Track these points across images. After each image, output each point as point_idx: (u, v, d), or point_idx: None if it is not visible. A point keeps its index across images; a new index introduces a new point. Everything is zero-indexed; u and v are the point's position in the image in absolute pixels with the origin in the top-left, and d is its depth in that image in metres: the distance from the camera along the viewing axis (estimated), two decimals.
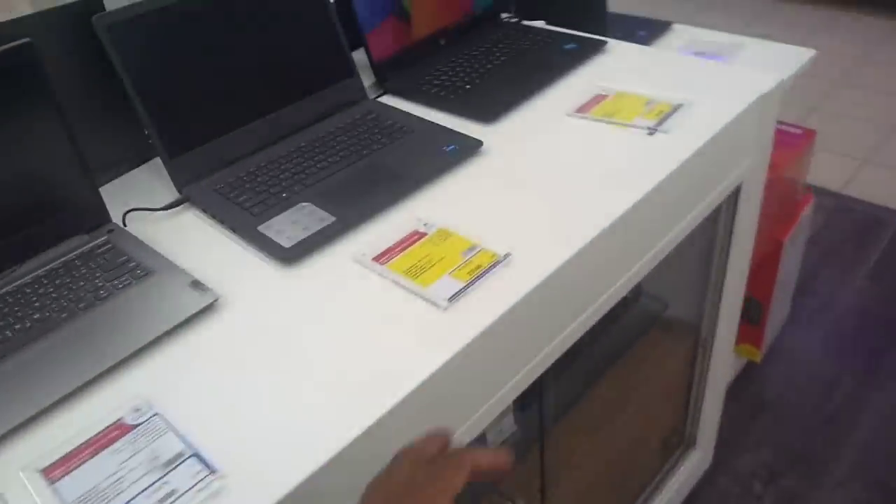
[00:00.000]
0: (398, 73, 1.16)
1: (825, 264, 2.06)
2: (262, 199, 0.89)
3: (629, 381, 1.33)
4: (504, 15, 1.34)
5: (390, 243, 0.82)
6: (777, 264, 1.55)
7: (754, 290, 1.59)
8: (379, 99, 1.12)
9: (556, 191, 0.88)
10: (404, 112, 1.06)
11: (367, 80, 1.12)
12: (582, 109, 1.03)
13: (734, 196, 1.13)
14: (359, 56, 1.11)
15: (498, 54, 1.19)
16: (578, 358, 1.03)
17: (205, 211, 0.90)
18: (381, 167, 0.94)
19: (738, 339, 1.59)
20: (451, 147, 0.96)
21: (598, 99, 1.05)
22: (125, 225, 0.89)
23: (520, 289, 0.74)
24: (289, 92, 1.02)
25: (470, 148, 0.96)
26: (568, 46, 1.20)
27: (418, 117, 1.04)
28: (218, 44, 0.95)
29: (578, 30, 1.25)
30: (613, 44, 1.21)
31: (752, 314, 1.64)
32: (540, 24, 1.32)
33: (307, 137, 1.01)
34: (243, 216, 0.87)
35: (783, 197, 1.48)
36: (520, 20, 1.33)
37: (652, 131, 0.96)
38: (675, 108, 1.00)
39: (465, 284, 0.75)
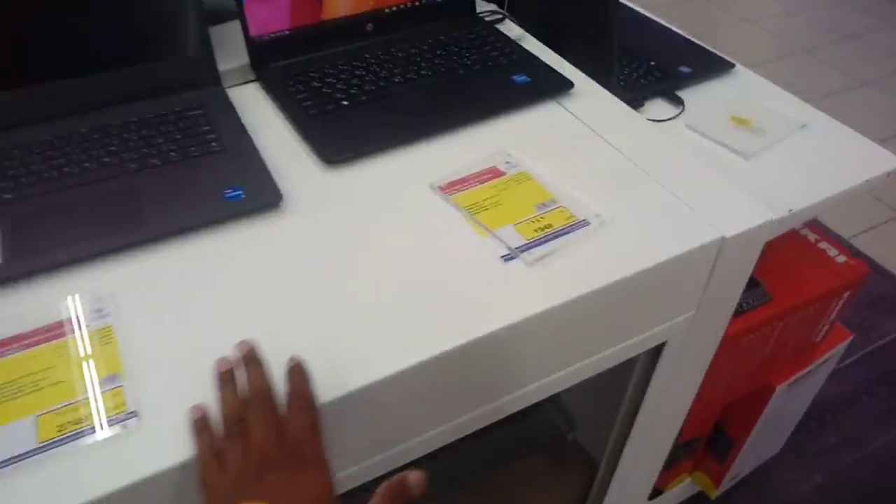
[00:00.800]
0: (283, 59, 0.89)
1: (856, 401, 1.62)
2: None
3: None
4: (488, 9, 1.02)
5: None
6: (761, 410, 1.19)
7: (729, 425, 1.24)
8: (239, 87, 0.87)
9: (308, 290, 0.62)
10: (235, 120, 0.80)
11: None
12: (453, 186, 0.73)
13: (654, 352, 0.81)
14: None
15: (428, 64, 0.89)
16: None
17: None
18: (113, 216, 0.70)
19: (695, 465, 1.28)
20: (234, 192, 0.70)
21: (489, 175, 0.75)
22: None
23: None
24: (104, 54, 0.79)
25: (264, 203, 0.70)
26: (519, 79, 0.88)
27: (242, 130, 0.78)
28: None
29: (584, 48, 0.93)
30: (584, 88, 0.88)
31: (720, 450, 1.29)
32: (518, 33, 0.99)
33: (116, 118, 0.78)
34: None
35: (793, 334, 1.10)
36: (496, 20, 1.01)
37: (509, 257, 0.66)
38: (574, 226, 0.69)
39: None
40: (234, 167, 0.73)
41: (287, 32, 0.89)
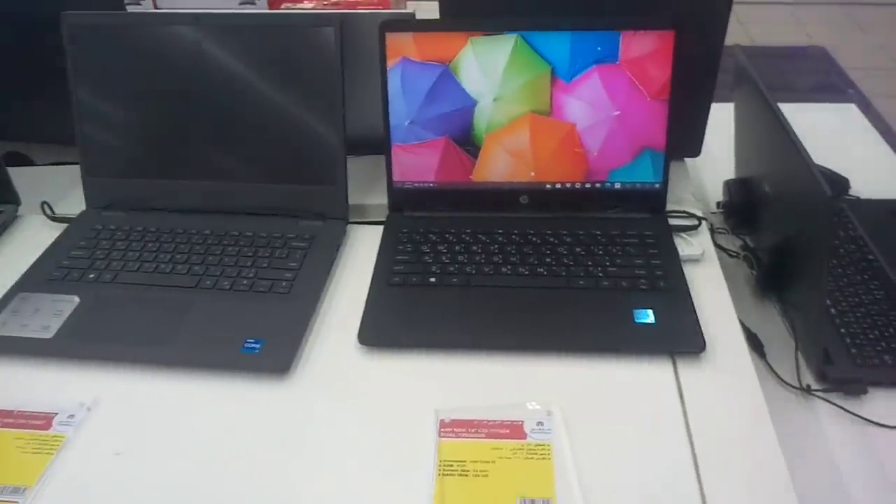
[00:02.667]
0: (419, 210, 0.85)
1: None
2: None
3: None
4: (686, 211, 0.85)
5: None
6: None
7: None
8: (362, 226, 0.85)
9: None
10: (325, 261, 0.78)
11: None
12: (456, 425, 0.60)
13: None
14: None
15: (554, 261, 0.77)
16: None
17: None
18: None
19: None
20: (254, 343, 0.68)
21: (506, 431, 0.60)
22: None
23: None
24: (248, 167, 0.85)
25: (274, 366, 0.67)
26: (641, 316, 0.70)
27: (320, 276, 0.76)
28: (193, 82, 0.83)
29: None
30: (713, 351, 0.67)
31: None
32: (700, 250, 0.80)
33: (240, 227, 0.83)
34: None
35: None
36: (687, 228, 0.82)
37: None
38: None
39: None
40: (273, 312, 0.71)
41: (430, 185, 0.84)
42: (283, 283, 0.75)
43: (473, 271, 0.76)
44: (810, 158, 0.72)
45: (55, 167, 1.02)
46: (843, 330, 0.82)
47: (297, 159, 0.83)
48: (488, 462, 0.57)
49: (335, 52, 0.80)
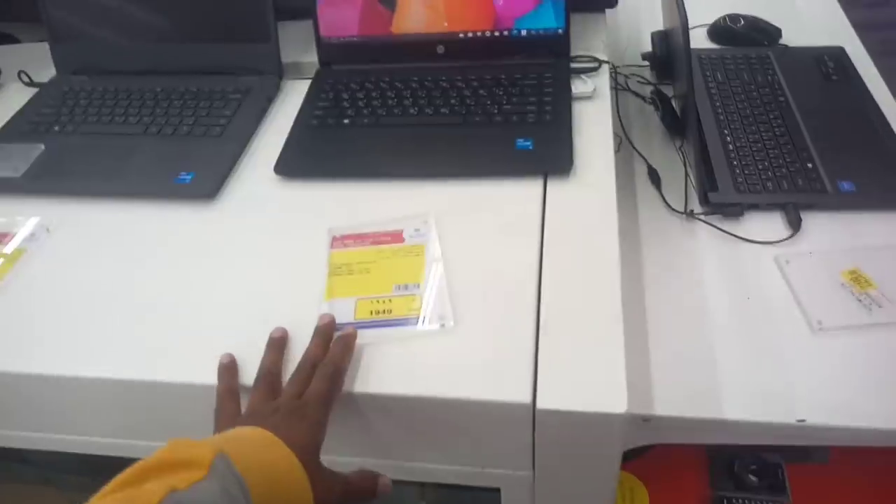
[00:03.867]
0: (348, 63, 0.94)
1: None
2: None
3: None
4: (588, 55, 0.91)
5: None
6: None
7: None
8: (297, 81, 0.94)
9: None
10: (259, 110, 0.88)
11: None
12: (346, 239, 0.71)
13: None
14: None
15: (458, 102, 0.85)
16: None
17: None
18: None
19: None
20: (185, 175, 0.79)
21: (387, 238, 0.71)
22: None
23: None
24: (191, 29, 0.94)
25: (202, 192, 0.78)
26: (522, 143, 0.79)
27: (256, 118, 0.86)
28: None
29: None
30: (583, 173, 0.76)
31: None
32: (589, 82, 0.86)
33: (187, 84, 0.94)
34: None
35: None
36: (587, 69, 0.89)
37: None
38: (408, 320, 0.63)
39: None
40: (206, 150, 0.82)
41: (355, 39, 0.92)
42: (217, 128, 0.85)
43: (384, 113, 0.85)
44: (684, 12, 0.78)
45: (38, 44, 1.13)
46: (734, 162, 0.89)
47: (230, 19, 0.92)
48: (370, 262, 0.68)
49: None
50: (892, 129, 0.92)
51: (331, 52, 0.93)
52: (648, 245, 0.83)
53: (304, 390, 0.56)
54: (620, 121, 0.96)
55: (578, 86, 0.86)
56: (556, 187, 0.75)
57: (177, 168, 0.80)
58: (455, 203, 0.74)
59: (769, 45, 1.12)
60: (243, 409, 0.57)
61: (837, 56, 1.07)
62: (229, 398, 0.58)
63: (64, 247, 0.74)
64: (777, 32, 1.12)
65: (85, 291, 0.69)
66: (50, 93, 0.95)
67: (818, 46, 1.09)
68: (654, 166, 0.91)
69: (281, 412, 0.54)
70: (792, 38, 1.13)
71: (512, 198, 0.74)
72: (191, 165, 0.80)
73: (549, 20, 0.89)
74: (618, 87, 1.02)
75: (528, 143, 0.78)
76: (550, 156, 0.76)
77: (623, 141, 0.93)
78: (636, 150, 0.94)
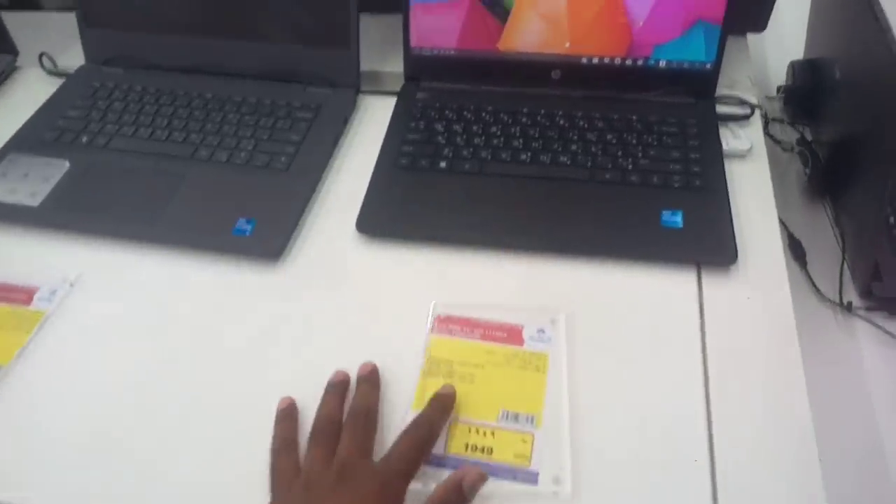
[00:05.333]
0: (440, 80, 0.77)
1: None
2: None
3: None
4: (738, 96, 0.74)
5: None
6: None
7: None
8: (374, 96, 0.78)
9: None
10: (328, 139, 0.72)
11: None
12: (451, 322, 0.56)
13: None
14: None
15: (582, 149, 0.69)
16: None
17: None
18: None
19: None
20: (247, 223, 0.64)
21: (503, 334, 0.55)
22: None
23: None
24: (253, 22, 0.76)
25: (266, 250, 0.63)
26: (669, 218, 0.63)
27: (326, 150, 0.70)
28: None
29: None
30: (745, 263, 0.60)
31: None
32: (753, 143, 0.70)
33: (244, 91, 0.77)
34: None
35: None
36: (738, 116, 0.73)
37: None
38: (514, 472, 0.48)
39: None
40: (269, 189, 0.66)
41: (453, 53, 0.75)
42: (283, 158, 0.69)
43: (489, 157, 0.69)
44: None
45: (62, 14, 0.95)
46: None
47: (304, 16, 0.75)
48: (477, 366, 0.53)
49: None
50: None
51: (421, 66, 0.77)
52: (800, 341, 0.68)
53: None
54: None
55: (729, 139, 0.70)
56: (714, 282, 0.59)
57: (234, 212, 0.64)
58: (587, 293, 0.59)
59: None
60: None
61: None
62: (286, 452, 0.48)
63: (91, 310, 0.59)
64: None
65: (113, 373, 0.54)
66: (78, 87, 0.79)
67: None
68: (798, 235, 0.76)
69: (351, 476, 0.44)
70: None
71: (659, 294, 0.58)
72: (251, 209, 0.64)
73: (697, 51, 0.72)
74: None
75: (677, 219, 0.62)
76: (707, 239, 0.61)
77: None
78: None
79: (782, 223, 0.76)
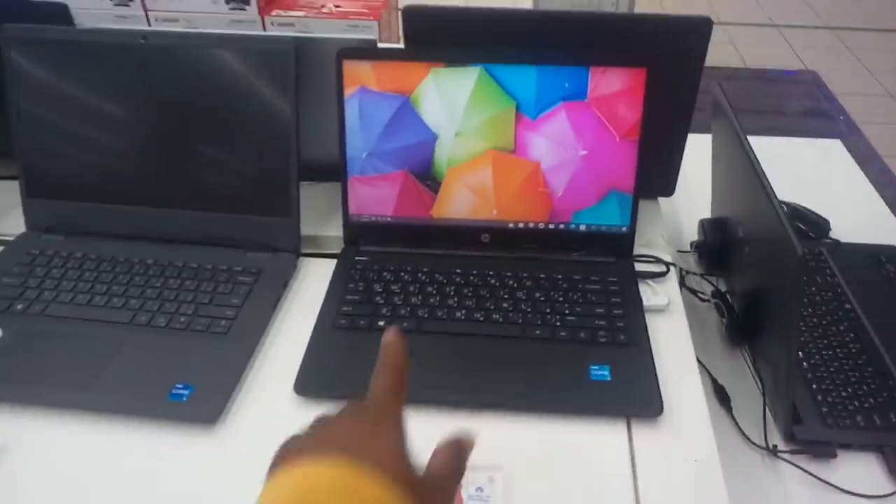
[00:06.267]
0: (375, 244, 0.81)
1: None
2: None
3: None
4: (654, 256, 0.81)
5: None
6: None
7: None
8: (315, 259, 0.81)
9: None
10: (267, 302, 0.74)
11: None
12: None
13: None
14: None
15: (512, 307, 0.73)
16: None
17: None
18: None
19: None
20: (183, 389, 0.64)
21: None
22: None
23: None
24: (196, 194, 0.80)
25: (201, 415, 0.62)
26: (597, 372, 0.66)
27: (265, 314, 0.71)
28: (136, 97, 0.78)
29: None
30: (670, 414, 0.63)
31: None
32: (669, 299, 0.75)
33: (185, 257, 0.79)
34: None
35: None
36: (654, 275, 0.79)
37: None
38: None
39: None
40: (207, 354, 0.67)
41: (389, 220, 0.80)
42: (223, 322, 0.70)
43: (426, 315, 0.72)
44: (782, 209, 0.69)
45: (3, 181, 0.97)
46: (814, 386, 0.78)
47: (247, 188, 0.79)
48: None
49: (290, 78, 0.76)
50: None
51: (359, 232, 0.81)
52: (729, 487, 0.70)
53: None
54: None
55: (648, 295, 0.75)
56: (643, 433, 0.62)
57: (171, 378, 0.64)
58: (523, 449, 0.60)
59: (816, 239, 1.05)
60: None
61: (895, 257, 0.99)
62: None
63: (21, 478, 0.57)
64: (826, 224, 1.05)
65: None
66: (16, 254, 0.80)
67: (873, 245, 1.02)
68: (721, 381, 0.80)
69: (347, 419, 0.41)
70: (840, 232, 1.06)
71: (592, 446, 0.60)
72: (188, 374, 0.65)
73: (613, 216, 0.79)
74: None
75: (605, 373, 0.65)
76: (635, 392, 0.64)
77: None
78: (698, 362, 0.82)
79: (706, 370, 0.81)
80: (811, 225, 1.06)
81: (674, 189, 0.90)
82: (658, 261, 0.80)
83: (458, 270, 0.77)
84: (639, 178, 0.78)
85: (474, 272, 0.77)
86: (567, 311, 0.72)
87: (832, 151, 1.29)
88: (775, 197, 0.70)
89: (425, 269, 0.77)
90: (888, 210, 1.12)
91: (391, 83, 0.76)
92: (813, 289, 0.93)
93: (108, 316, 0.71)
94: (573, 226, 0.79)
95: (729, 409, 0.77)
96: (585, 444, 0.60)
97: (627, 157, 0.77)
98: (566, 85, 0.75)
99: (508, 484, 0.57)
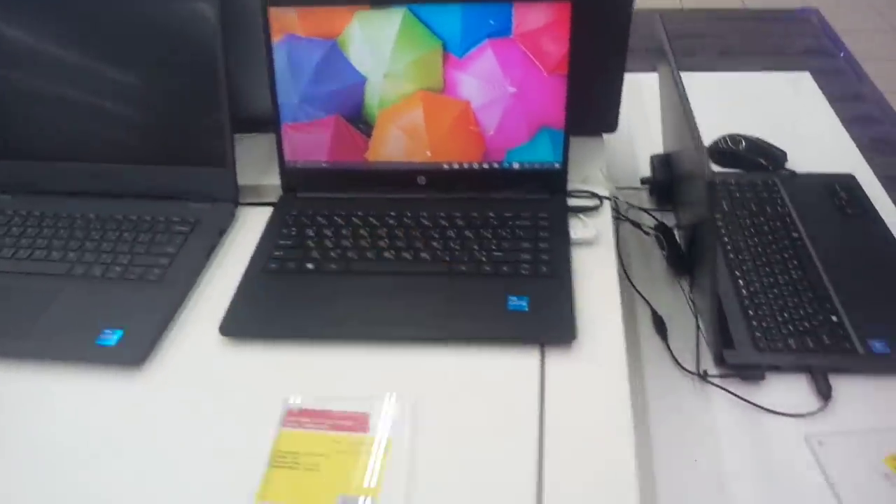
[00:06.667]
0: (314, 190, 0.82)
1: None
2: None
3: None
4: (589, 190, 0.81)
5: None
6: None
7: None
8: (254, 208, 0.82)
9: None
10: (200, 247, 0.75)
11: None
12: (304, 415, 0.58)
13: None
14: None
15: (442, 245, 0.73)
16: None
17: None
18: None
19: None
20: (112, 333, 0.66)
21: (350, 423, 0.57)
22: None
23: None
24: (133, 147, 0.82)
25: (130, 356, 0.65)
26: (515, 303, 0.67)
27: (198, 261, 0.73)
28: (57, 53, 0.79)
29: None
30: (586, 342, 0.64)
31: None
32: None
33: (126, 210, 0.80)
34: None
35: None
36: (585, 208, 0.79)
37: None
38: None
39: None
40: (140, 300, 0.69)
41: (324, 165, 0.81)
42: (156, 270, 0.72)
43: (356, 257, 0.73)
44: (699, 139, 0.68)
45: None
46: (750, 312, 0.79)
47: (182, 140, 0.80)
48: (322, 455, 0.55)
49: (216, 28, 0.76)
50: None
51: (296, 179, 0.82)
52: (657, 412, 0.72)
53: None
54: (620, 257, 0.86)
55: (578, 229, 0.76)
56: (555, 361, 0.63)
57: (101, 324, 0.66)
58: (435, 378, 0.61)
59: (773, 170, 1.04)
60: None
61: (849, 185, 0.99)
62: None
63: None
64: (782, 156, 1.05)
65: None
66: None
67: (828, 174, 1.01)
68: (660, 312, 0.80)
69: None
70: (797, 162, 1.05)
71: (504, 374, 0.61)
72: (119, 320, 0.67)
73: (545, 153, 0.79)
74: (618, 217, 0.92)
75: (523, 304, 0.66)
76: (549, 321, 0.65)
77: (622, 279, 0.83)
78: (638, 293, 0.83)
79: (646, 301, 0.81)
80: (769, 157, 1.05)
81: (616, 125, 0.89)
82: (592, 195, 0.80)
83: (392, 213, 0.78)
84: (569, 113, 0.77)
85: (408, 214, 0.78)
86: (494, 248, 0.73)
87: (802, 85, 1.27)
88: (695, 127, 0.69)
89: (360, 213, 0.78)
90: (853, 144, 1.10)
91: (317, 28, 0.76)
92: (762, 218, 0.93)
93: (46, 269, 0.73)
94: (507, 164, 0.79)
95: (665, 339, 0.78)
96: (498, 371, 0.61)
97: (556, 92, 0.77)
98: (491, 22, 0.75)
99: (420, 411, 0.58)
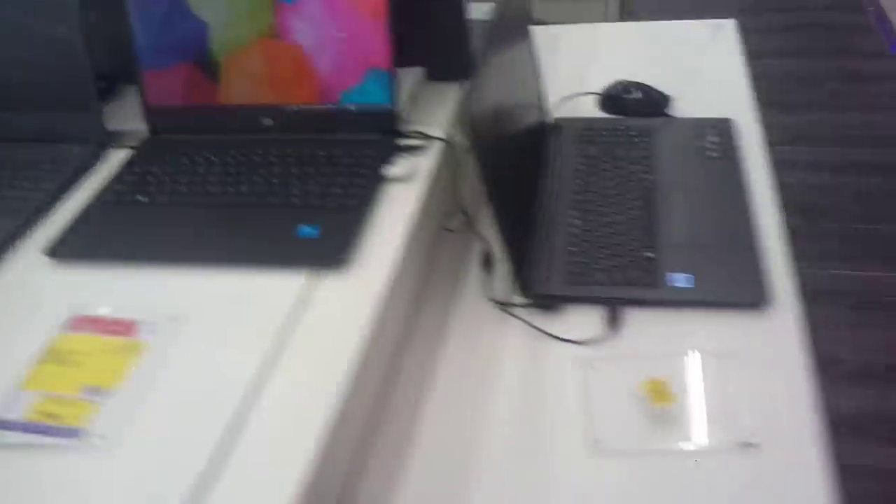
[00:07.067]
0: (175, 132, 0.89)
1: None
2: None
3: None
4: (419, 130, 0.85)
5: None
6: None
7: None
8: (121, 151, 0.90)
9: None
10: (62, 179, 0.84)
11: None
12: (84, 323, 0.65)
13: None
14: None
15: (265, 180, 0.79)
16: None
17: None
18: None
19: None
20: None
21: (118, 328, 0.64)
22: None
23: None
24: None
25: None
26: (305, 230, 0.72)
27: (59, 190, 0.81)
28: None
29: None
30: (363, 267, 0.69)
31: None
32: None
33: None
34: None
35: None
36: (413, 147, 0.83)
37: None
38: (65, 432, 0.56)
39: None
40: None
41: (180, 107, 0.88)
42: (14, 203, 0.80)
43: (186, 191, 0.79)
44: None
45: None
46: (573, 248, 0.82)
47: (47, 85, 0.88)
48: (86, 354, 0.62)
49: None
50: (748, 218, 0.83)
51: (158, 120, 0.89)
52: (455, 339, 0.76)
53: None
54: (457, 194, 0.89)
55: (398, 168, 0.80)
56: (323, 284, 0.68)
57: None
58: (212, 296, 0.68)
59: (655, 116, 1.04)
60: None
61: (723, 129, 0.99)
62: None
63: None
64: (664, 101, 1.05)
65: None
66: None
67: (705, 118, 1.01)
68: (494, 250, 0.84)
69: None
70: (687, 108, 1.05)
71: (269, 294, 0.67)
72: None
73: (375, 95, 0.83)
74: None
75: (315, 231, 0.72)
76: (329, 249, 0.70)
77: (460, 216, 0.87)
78: (473, 232, 0.87)
79: (480, 236, 0.85)
80: (652, 104, 1.06)
81: (469, 73, 0.92)
82: (423, 136, 0.84)
83: (233, 152, 0.84)
84: (394, 56, 0.81)
85: (247, 154, 0.83)
86: (312, 183, 0.78)
87: (723, 32, 1.25)
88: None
89: (205, 153, 0.84)
90: (749, 91, 1.09)
91: None
92: (623, 162, 0.95)
93: None
94: (342, 105, 0.84)
95: (490, 273, 0.82)
96: (266, 292, 0.67)
97: (378, 35, 0.80)
98: None
99: (185, 323, 0.65)
